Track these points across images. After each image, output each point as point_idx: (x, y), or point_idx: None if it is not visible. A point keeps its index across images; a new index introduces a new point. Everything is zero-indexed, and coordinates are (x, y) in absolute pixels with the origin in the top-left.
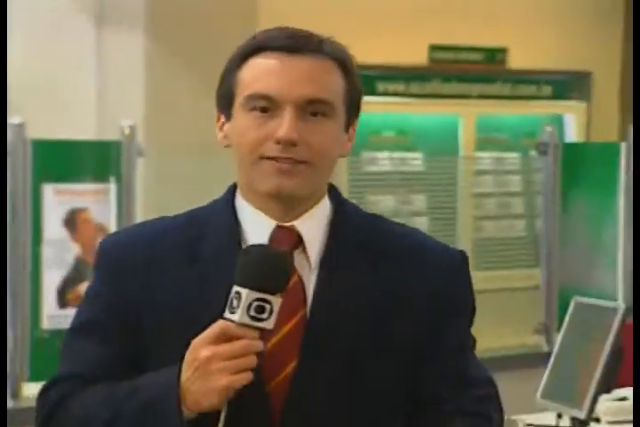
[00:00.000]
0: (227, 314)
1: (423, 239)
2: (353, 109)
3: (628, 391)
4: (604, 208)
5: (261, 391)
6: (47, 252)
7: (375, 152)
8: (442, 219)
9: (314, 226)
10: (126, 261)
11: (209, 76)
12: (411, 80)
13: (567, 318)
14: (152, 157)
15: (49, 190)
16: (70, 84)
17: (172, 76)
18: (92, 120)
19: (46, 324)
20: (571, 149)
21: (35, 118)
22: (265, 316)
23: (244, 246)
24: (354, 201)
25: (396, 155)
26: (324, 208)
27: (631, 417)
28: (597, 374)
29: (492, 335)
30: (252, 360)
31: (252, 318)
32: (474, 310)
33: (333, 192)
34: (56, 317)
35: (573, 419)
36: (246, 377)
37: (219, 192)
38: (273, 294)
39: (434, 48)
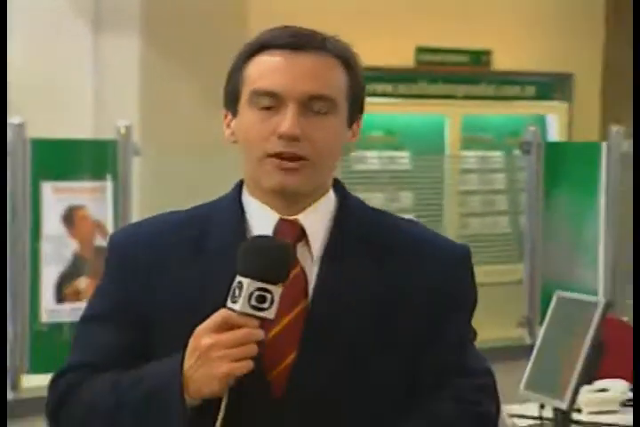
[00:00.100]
0: (229, 303)
1: (427, 234)
2: (356, 106)
3: (608, 383)
4: (585, 205)
5: (262, 380)
6: (46, 248)
7: (364, 151)
8: (428, 216)
9: (317, 220)
10: (132, 259)
11: (203, 77)
12: (398, 81)
13: (549, 312)
14: (148, 156)
15: (48, 188)
16: (68, 85)
17: (167, 77)
18: (90, 120)
19: (45, 317)
20: (553, 148)
21: (34, 118)
22: (266, 305)
23: None
24: None
25: (385, 154)
26: (328, 202)
27: (611, 408)
28: (579, 366)
29: (477, 328)
30: (253, 349)
31: (253, 307)
32: (475, 303)
33: (339, 187)
34: (54, 311)
35: (556, 410)
36: (247, 365)
37: (213, 190)
38: (274, 283)
39: (420, 50)
